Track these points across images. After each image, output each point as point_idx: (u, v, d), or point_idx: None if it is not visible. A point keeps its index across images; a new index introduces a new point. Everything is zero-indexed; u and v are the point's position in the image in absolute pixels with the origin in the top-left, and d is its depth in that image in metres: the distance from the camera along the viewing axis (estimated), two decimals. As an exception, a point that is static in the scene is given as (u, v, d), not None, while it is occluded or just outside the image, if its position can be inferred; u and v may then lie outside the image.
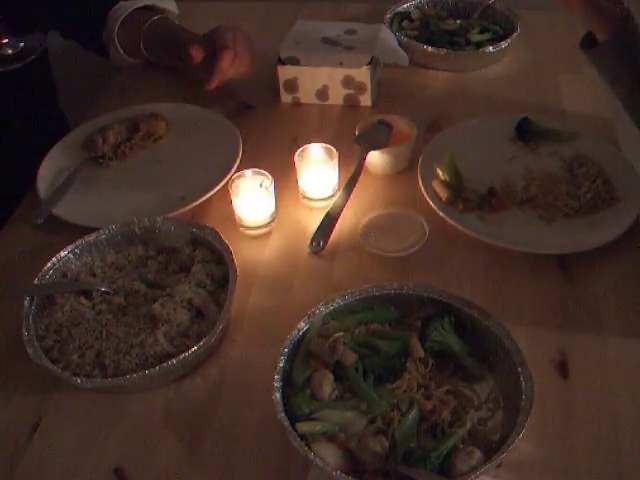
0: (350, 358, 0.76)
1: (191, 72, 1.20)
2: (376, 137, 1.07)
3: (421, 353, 0.77)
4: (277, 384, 0.74)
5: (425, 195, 1.00)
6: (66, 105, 1.38)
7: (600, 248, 0.92)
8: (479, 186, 1.03)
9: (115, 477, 0.73)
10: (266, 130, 1.20)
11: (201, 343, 0.79)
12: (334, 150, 1.02)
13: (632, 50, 0.96)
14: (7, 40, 1.06)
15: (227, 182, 1.01)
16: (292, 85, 1.23)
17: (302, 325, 0.79)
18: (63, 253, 0.90)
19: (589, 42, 1.01)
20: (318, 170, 1.02)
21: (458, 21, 1.39)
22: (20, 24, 1.17)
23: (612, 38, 0.95)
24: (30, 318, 0.83)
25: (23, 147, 1.19)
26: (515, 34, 1.33)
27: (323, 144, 1.03)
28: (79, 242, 0.91)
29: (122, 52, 1.28)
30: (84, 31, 1.30)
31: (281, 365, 0.75)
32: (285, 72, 1.22)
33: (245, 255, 0.97)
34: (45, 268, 0.88)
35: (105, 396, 0.81)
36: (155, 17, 1.23)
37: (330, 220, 0.99)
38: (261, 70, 1.31)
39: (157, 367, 0.77)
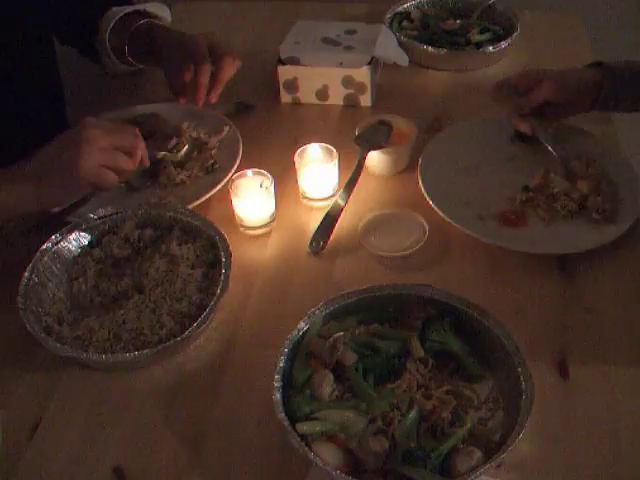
0: (350, 358, 0.76)
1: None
2: (376, 137, 1.07)
3: (421, 353, 0.77)
4: (277, 384, 0.74)
5: (425, 195, 1.00)
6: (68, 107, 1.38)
7: (600, 248, 0.92)
8: (479, 186, 1.03)
9: (115, 477, 0.73)
10: (266, 130, 1.20)
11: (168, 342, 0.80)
12: (334, 150, 1.02)
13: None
14: None
15: (227, 182, 1.01)
16: (292, 85, 1.23)
17: (302, 325, 0.79)
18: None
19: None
20: (318, 170, 1.02)
21: (458, 21, 1.39)
22: (18, 28, 1.16)
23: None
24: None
25: (24, 147, 1.19)
26: (515, 34, 1.33)
27: (323, 144, 1.03)
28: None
29: (114, 59, 1.25)
30: (79, 37, 1.28)
31: (281, 365, 0.75)
32: (285, 72, 1.22)
33: (245, 255, 0.97)
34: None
35: (105, 396, 0.81)
36: (141, 21, 1.20)
37: (330, 220, 0.99)
38: (261, 70, 1.31)
39: (138, 352, 0.80)
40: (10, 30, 1.13)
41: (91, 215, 0.95)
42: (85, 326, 0.83)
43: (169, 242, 0.92)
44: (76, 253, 0.93)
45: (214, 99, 1.13)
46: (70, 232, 0.93)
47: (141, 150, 0.94)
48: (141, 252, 0.93)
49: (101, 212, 0.95)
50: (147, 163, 0.97)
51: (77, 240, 0.93)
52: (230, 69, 1.13)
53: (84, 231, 0.94)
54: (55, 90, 1.32)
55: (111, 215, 0.95)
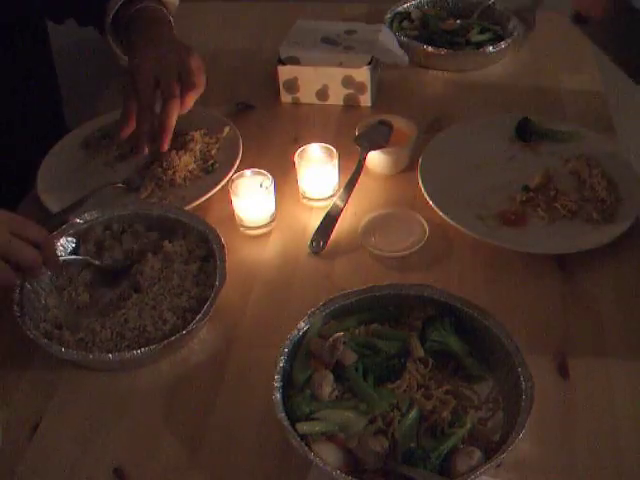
0: (350, 358, 0.76)
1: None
2: (376, 137, 1.07)
3: (421, 353, 0.77)
4: (277, 384, 0.74)
5: (425, 195, 1.00)
6: (65, 105, 1.38)
7: (600, 248, 0.92)
8: (479, 186, 1.03)
9: (115, 477, 0.73)
10: (266, 130, 1.20)
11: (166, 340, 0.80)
12: (334, 150, 1.02)
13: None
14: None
15: (227, 182, 1.01)
16: (292, 85, 1.23)
17: (302, 325, 0.79)
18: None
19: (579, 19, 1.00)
20: (318, 170, 1.02)
21: (458, 21, 1.39)
22: (15, 29, 1.15)
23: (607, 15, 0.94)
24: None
25: (23, 147, 1.19)
26: (515, 34, 1.33)
27: (323, 144, 1.03)
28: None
29: (119, 52, 1.19)
30: (89, 19, 1.19)
31: (281, 365, 0.75)
32: (285, 72, 1.22)
33: (245, 255, 0.97)
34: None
35: (105, 396, 0.81)
36: (139, 5, 1.09)
37: (330, 220, 0.99)
38: (261, 70, 1.31)
39: (137, 351, 0.79)
40: (6, 30, 1.13)
41: (77, 220, 0.93)
42: (87, 328, 0.83)
43: (160, 240, 0.92)
44: (62, 261, 0.90)
45: (164, 148, 1.00)
46: (56, 239, 0.90)
47: (49, 244, 0.82)
48: (134, 255, 0.93)
49: (86, 216, 0.94)
50: (54, 268, 0.85)
51: (64, 246, 0.91)
52: (174, 113, 0.98)
53: (71, 236, 0.92)
54: (54, 95, 1.32)
55: (97, 219, 0.94)
